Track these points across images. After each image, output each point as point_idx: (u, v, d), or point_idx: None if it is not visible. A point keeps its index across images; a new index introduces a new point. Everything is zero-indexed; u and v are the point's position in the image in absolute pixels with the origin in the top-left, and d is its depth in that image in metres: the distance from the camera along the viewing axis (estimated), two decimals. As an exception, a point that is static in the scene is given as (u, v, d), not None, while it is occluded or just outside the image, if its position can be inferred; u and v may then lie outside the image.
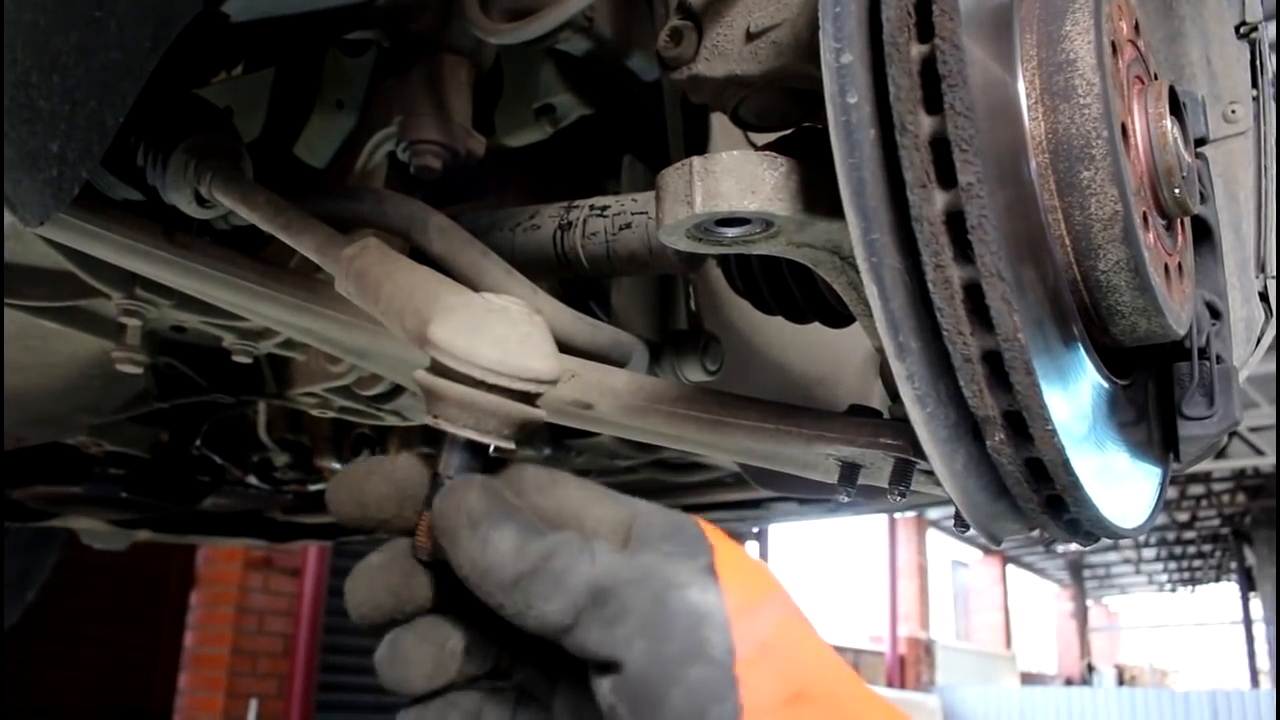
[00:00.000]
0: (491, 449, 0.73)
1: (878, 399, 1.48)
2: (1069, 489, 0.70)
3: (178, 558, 6.68)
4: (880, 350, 0.76)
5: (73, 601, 6.52)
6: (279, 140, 1.36)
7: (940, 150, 0.61)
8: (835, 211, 0.68)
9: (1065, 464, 0.68)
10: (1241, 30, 1.15)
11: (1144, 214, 0.74)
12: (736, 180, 0.71)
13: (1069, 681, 21.28)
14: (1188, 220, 0.89)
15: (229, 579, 6.57)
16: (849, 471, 0.95)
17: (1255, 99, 1.13)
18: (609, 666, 0.60)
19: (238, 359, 1.47)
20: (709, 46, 0.90)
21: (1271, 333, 1.12)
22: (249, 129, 1.30)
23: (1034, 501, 0.71)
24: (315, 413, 1.68)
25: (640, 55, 1.18)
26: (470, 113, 1.21)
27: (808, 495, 1.98)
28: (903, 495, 0.91)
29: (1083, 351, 0.73)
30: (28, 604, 3.34)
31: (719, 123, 1.22)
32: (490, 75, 1.32)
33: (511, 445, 0.73)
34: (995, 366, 0.64)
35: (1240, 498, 16.89)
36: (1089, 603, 25.88)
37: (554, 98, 1.36)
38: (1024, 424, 0.66)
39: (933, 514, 15.98)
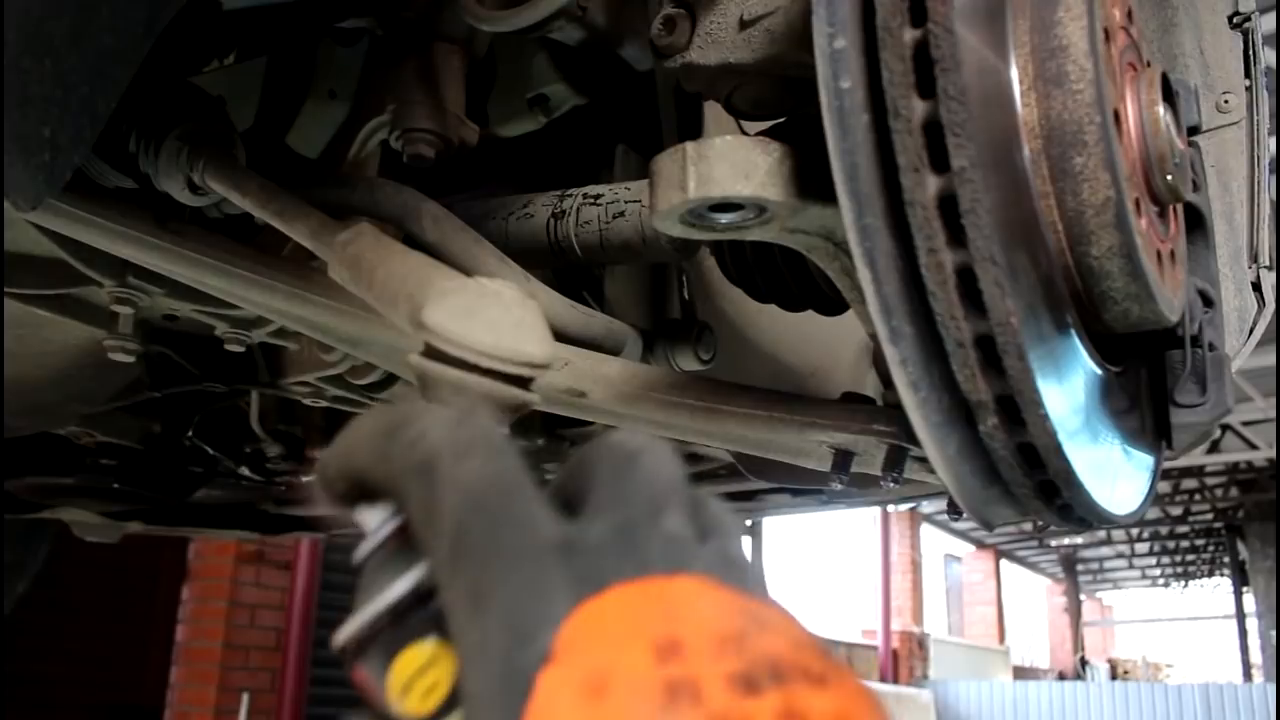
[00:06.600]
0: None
1: (871, 388, 1.48)
2: (1061, 474, 0.70)
3: (169, 551, 6.65)
4: (874, 337, 0.76)
5: (63, 595, 6.50)
6: (272, 129, 1.36)
7: (933, 135, 0.61)
8: (828, 197, 0.68)
9: (1058, 449, 0.68)
10: (1234, 20, 1.15)
11: (1136, 200, 0.74)
12: (730, 165, 0.71)
13: (1062, 676, 21.30)
14: (1180, 208, 0.89)
15: (221, 573, 6.56)
16: (842, 459, 0.95)
17: (1248, 89, 1.13)
18: None
19: (230, 348, 1.46)
20: (702, 34, 0.90)
21: (1264, 323, 1.12)
22: (242, 118, 1.30)
23: (1027, 487, 0.71)
24: (308, 402, 1.67)
25: (634, 44, 1.17)
26: (463, 101, 1.20)
27: (802, 486, 1.98)
28: (896, 482, 0.91)
29: (1075, 337, 0.74)
30: (19, 597, 3.33)
31: (713, 112, 1.22)
32: (484, 65, 1.31)
33: (505, 430, 0.73)
34: (988, 351, 0.64)
35: (1234, 492, 16.93)
36: (1082, 597, 25.90)
37: (547, 87, 1.36)
38: (1017, 409, 0.66)
39: (926, 508, 16.00)
